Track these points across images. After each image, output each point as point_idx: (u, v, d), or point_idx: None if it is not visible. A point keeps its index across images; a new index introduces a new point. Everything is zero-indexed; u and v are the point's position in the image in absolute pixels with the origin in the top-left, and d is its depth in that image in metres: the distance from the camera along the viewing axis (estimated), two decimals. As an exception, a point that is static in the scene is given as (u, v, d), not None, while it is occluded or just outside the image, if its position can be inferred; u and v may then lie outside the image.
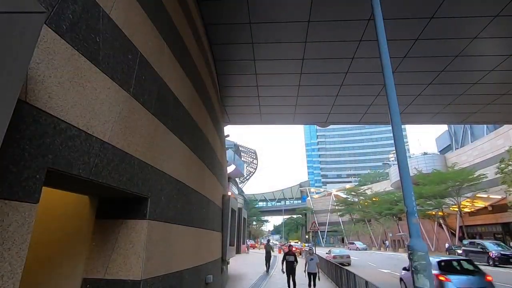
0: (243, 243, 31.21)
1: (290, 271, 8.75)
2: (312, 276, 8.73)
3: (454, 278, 7.38)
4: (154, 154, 3.29)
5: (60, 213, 3.07)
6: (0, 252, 1.46)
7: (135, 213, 3.02)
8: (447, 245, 33.05)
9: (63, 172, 1.90)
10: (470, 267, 8.26)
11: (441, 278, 7.40)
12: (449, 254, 30.34)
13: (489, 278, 7.64)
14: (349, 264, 19.24)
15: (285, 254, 9.17)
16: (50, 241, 3.02)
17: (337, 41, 6.67)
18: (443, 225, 37.35)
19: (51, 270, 2.91)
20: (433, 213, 36.96)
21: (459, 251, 25.69)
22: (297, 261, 8.91)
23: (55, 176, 1.95)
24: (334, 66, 7.68)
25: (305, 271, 8.81)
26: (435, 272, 7.34)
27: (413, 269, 2.15)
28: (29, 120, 1.66)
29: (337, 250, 23.51)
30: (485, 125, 40.52)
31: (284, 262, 8.91)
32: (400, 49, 6.83)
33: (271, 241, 37.78)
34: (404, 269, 9.99)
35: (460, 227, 33.59)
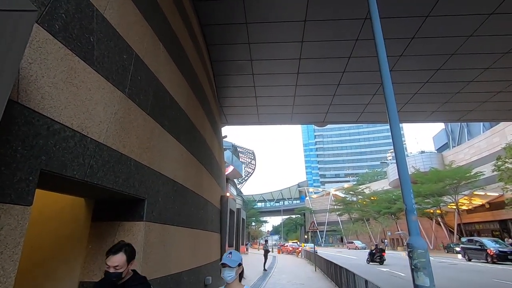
0: (242, 244, 31.16)
1: None
2: None
3: None
4: (151, 155, 3.26)
5: (55, 216, 3.03)
6: (-8, 256, 1.42)
7: (132, 215, 2.98)
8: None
9: (57, 174, 1.87)
10: None
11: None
12: (447, 252, 30.46)
13: None
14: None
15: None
16: (45, 245, 2.97)
17: (333, 40, 6.66)
18: (441, 223, 37.50)
19: (47, 274, 2.87)
20: (431, 211, 37.11)
21: (457, 249, 25.78)
22: None
23: (49, 178, 1.91)
24: (331, 65, 7.67)
25: None
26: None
27: (413, 267, 2.14)
28: (21, 121, 1.63)
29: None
30: (481, 123, 40.75)
31: None
32: (396, 48, 6.84)
33: (269, 241, 38.91)
34: None
35: (458, 224, 33.75)
